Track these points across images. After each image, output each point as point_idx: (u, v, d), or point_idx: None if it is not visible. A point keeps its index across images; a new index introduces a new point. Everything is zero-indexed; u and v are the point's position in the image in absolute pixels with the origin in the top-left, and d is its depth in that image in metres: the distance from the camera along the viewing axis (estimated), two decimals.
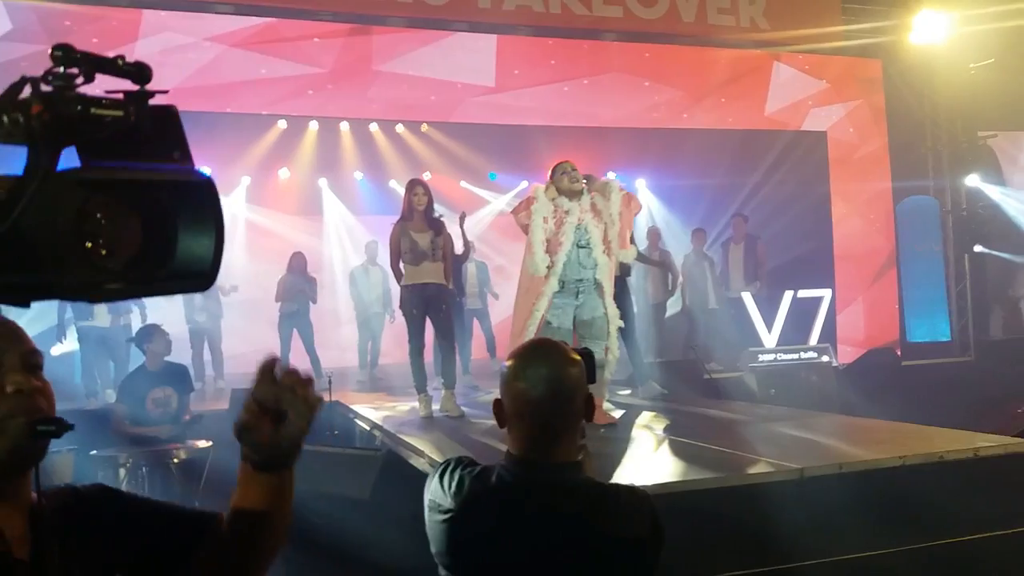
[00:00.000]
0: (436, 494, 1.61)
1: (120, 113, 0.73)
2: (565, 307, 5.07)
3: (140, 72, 0.77)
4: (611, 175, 9.16)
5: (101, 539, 1.09)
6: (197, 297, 8.33)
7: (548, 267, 4.98)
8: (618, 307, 5.23)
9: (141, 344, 5.59)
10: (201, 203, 0.81)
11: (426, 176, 10.98)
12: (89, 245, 0.75)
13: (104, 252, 0.75)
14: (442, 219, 5.94)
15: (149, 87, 0.77)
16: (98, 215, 0.75)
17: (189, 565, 1.13)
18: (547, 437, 1.56)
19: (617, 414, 5.38)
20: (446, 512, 1.57)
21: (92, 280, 0.74)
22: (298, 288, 8.65)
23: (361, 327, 9.04)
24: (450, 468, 1.64)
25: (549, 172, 5.32)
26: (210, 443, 4.69)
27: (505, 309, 9.76)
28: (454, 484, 1.59)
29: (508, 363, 1.61)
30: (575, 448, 1.61)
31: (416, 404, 5.80)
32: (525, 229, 5.19)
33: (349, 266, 9.54)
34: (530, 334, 4.87)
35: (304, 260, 8.87)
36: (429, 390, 5.81)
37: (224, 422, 5.80)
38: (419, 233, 5.74)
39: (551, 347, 1.63)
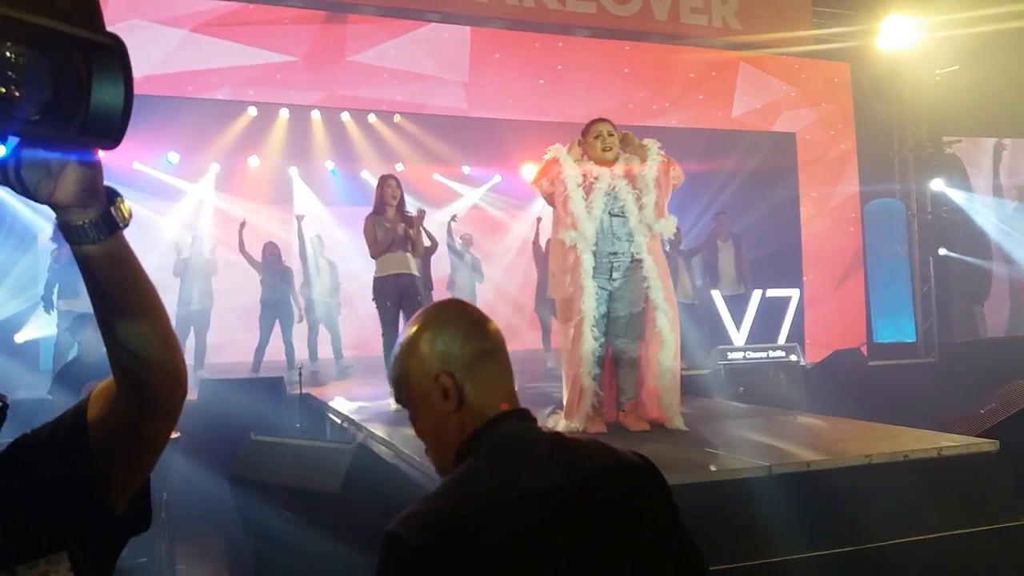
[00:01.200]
0: None
1: None
2: (598, 292, 4.47)
3: None
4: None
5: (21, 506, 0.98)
6: (196, 284, 8.23)
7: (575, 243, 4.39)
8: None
9: (76, 334, 5.26)
10: (111, 61, 0.80)
11: (399, 168, 10.92)
12: (1, 90, 0.74)
13: (16, 95, 0.75)
14: (411, 214, 5.94)
15: None
16: (9, 58, 0.74)
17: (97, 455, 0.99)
18: None
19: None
20: None
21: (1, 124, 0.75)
22: (278, 277, 8.55)
23: (311, 320, 9.00)
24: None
25: (582, 131, 4.69)
26: (179, 435, 4.62)
27: (485, 299, 9.80)
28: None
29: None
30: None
31: (390, 399, 5.75)
32: (550, 199, 4.62)
33: (319, 256, 9.47)
34: (587, 338, 4.39)
35: (278, 249, 8.78)
36: None
37: (194, 413, 5.73)
38: (391, 224, 5.76)
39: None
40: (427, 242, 7.66)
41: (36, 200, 0.86)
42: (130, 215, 0.93)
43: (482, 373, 1.31)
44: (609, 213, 4.48)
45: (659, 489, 1.36)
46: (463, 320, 1.35)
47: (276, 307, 8.49)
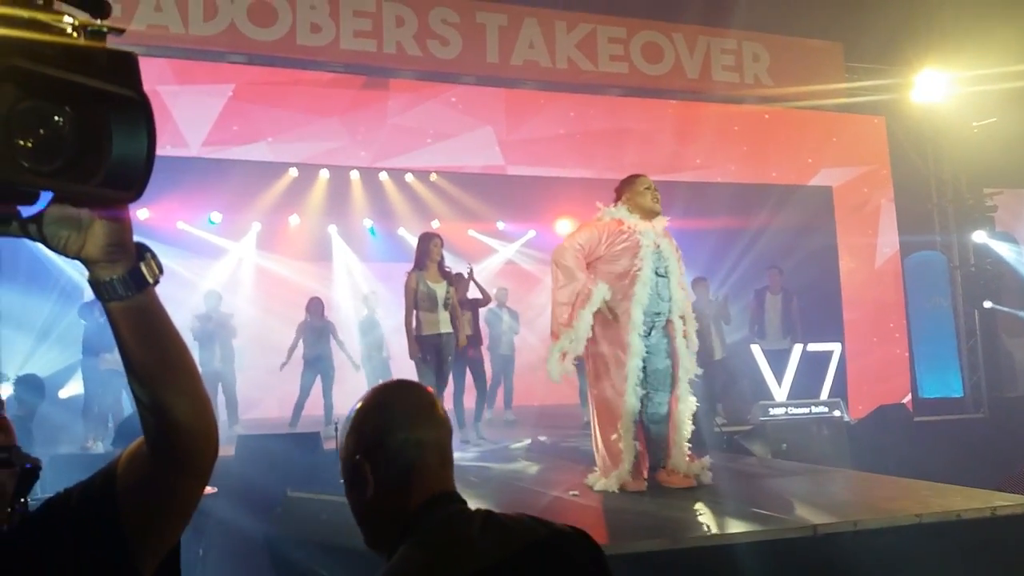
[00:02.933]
0: None
1: (68, 27, 0.77)
2: (652, 347, 4.43)
3: (97, 5, 0.80)
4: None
5: (53, 560, 0.98)
6: (217, 340, 8.34)
7: (617, 307, 4.33)
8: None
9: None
10: (136, 115, 0.81)
11: (435, 224, 11.07)
12: (22, 143, 0.75)
13: (35, 152, 0.76)
14: (450, 270, 6.04)
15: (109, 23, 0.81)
16: (31, 113, 0.75)
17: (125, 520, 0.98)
18: None
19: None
20: None
21: (19, 178, 0.75)
22: (319, 333, 8.63)
23: (368, 374, 9.05)
24: None
25: (617, 189, 4.68)
26: (215, 490, 4.63)
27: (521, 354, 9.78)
28: None
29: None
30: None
31: None
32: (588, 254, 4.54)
33: (358, 312, 9.58)
34: (630, 396, 4.32)
35: (321, 304, 8.88)
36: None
37: (230, 469, 5.75)
38: (435, 283, 5.85)
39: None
40: (477, 293, 7.84)
41: (66, 255, 0.86)
42: (161, 272, 0.92)
43: (413, 459, 1.30)
44: (656, 273, 4.43)
45: (595, 561, 1.35)
46: (402, 405, 1.35)
47: (317, 363, 8.53)
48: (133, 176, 0.82)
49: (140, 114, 0.82)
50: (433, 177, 10.58)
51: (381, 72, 9.07)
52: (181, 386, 0.96)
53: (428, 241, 6.00)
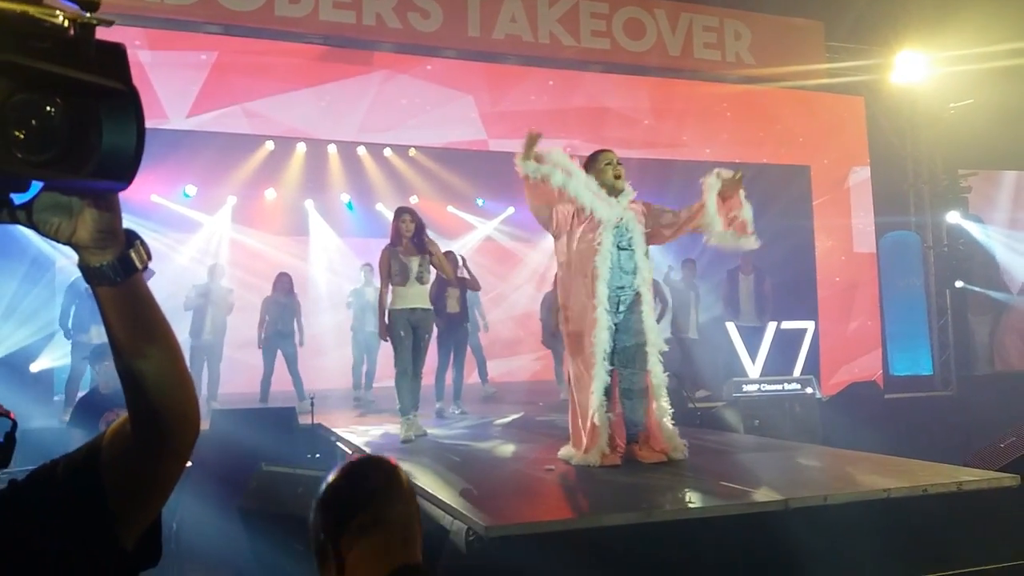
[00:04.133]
0: None
1: (58, 21, 0.79)
2: (608, 321, 4.43)
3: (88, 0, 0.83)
4: None
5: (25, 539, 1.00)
6: (211, 313, 8.27)
7: (591, 277, 4.36)
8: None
9: (95, 363, 5.20)
10: (125, 106, 0.84)
11: (413, 200, 11.00)
12: (15, 134, 0.78)
13: (28, 142, 0.79)
14: (429, 244, 5.96)
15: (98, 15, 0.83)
16: (24, 105, 0.78)
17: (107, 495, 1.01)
18: None
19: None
20: None
21: (13, 168, 0.78)
22: (283, 308, 8.57)
23: (355, 346, 9.01)
24: None
25: (583, 166, 4.67)
26: (189, 464, 4.61)
27: (497, 331, 9.78)
28: None
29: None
30: None
31: (401, 430, 5.75)
32: (548, 224, 4.60)
33: (334, 288, 9.52)
34: (599, 372, 4.35)
35: (290, 280, 8.81)
36: (412, 415, 5.78)
37: (205, 443, 5.73)
38: (408, 256, 5.82)
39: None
40: (466, 275, 7.90)
41: (57, 240, 0.89)
42: (149, 258, 0.95)
43: (375, 538, 1.33)
44: (617, 246, 4.47)
45: None
46: (365, 484, 1.38)
47: (278, 338, 8.50)
48: (123, 166, 0.85)
49: (129, 106, 0.84)
50: (412, 152, 10.50)
51: (360, 44, 8.96)
52: (165, 369, 0.99)
53: (397, 218, 5.98)
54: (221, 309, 8.44)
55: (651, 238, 4.70)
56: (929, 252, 11.40)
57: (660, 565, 3.20)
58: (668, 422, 4.53)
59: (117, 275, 0.92)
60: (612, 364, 4.49)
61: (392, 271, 5.83)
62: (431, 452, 5.19)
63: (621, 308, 4.51)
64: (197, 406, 1.05)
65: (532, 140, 4.48)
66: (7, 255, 8.10)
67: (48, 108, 0.80)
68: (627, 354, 4.52)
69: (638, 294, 4.50)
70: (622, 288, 4.49)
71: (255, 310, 8.85)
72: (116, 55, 0.84)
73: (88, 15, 0.82)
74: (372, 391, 8.82)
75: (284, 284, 8.72)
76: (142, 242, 0.95)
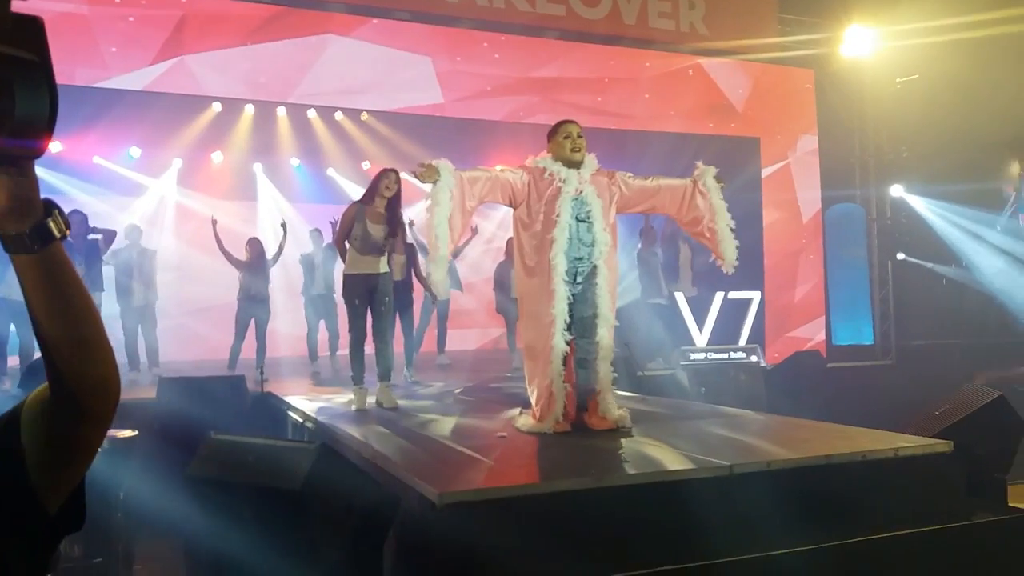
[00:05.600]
0: None
1: None
2: (564, 291, 4.47)
3: None
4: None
5: None
6: (135, 276, 8.03)
7: (548, 249, 4.37)
8: None
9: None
10: (35, 74, 0.87)
11: (365, 166, 10.86)
12: None
13: None
14: (404, 221, 5.78)
15: None
16: None
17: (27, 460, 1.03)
18: None
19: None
20: None
21: None
22: (255, 274, 8.37)
23: (310, 312, 8.87)
24: None
25: (549, 133, 4.69)
26: (135, 433, 4.55)
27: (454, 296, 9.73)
28: None
29: None
30: None
31: (352, 399, 5.72)
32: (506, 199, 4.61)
33: (284, 254, 9.35)
34: (557, 341, 4.39)
35: (261, 246, 8.58)
36: (366, 383, 5.74)
37: (152, 412, 5.63)
38: (375, 224, 5.64)
39: None
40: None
41: None
42: (68, 227, 0.97)
43: None
44: (576, 218, 4.48)
45: None
46: None
47: (254, 304, 8.32)
48: (37, 134, 0.87)
49: (41, 76, 0.87)
50: (364, 116, 10.34)
51: (312, 5, 8.76)
52: (83, 337, 1.00)
53: (381, 176, 5.76)
54: (145, 272, 8.18)
55: (622, 207, 4.72)
56: (873, 224, 11.69)
57: (609, 530, 3.27)
58: (610, 393, 4.59)
59: (35, 243, 0.93)
60: (569, 334, 4.53)
61: (353, 233, 5.63)
62: (383, 420, 5.18)
63: (579, 280, 4.53)
64: (116, 373, 1.05)
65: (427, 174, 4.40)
66: None
67: None
68: (583, 324, 4.56)
69: (595, 266, 4.52)
70: (580, 259, 4.51)
71: (201, 275, 8.66)
72: (32, 27, 0.87)
73: None
74: (337, 357, 8.67)
75: (255, 249, 8.51)
76: (60, 212, 0.96)
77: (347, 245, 5.68)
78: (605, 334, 4.54)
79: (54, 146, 9.28)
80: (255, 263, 8.41)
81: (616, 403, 4.64)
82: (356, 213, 5.64)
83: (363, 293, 5.63)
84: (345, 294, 5.70)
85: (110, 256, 8.05)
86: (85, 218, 7.46)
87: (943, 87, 10.42)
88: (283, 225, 8.61)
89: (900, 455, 3.84)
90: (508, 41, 9.79)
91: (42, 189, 0.96)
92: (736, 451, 3.95)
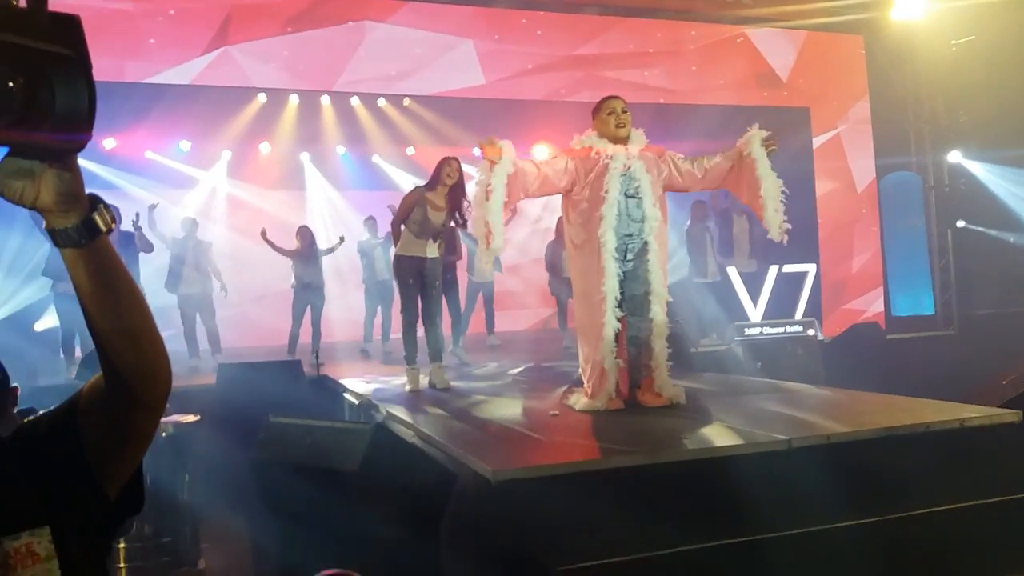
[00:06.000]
0: None
1: None
2: (615, 269, 4.43)
3: None
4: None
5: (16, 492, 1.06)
6: (193, 266, 8.22)
7: (598, 226, 4.34)
8: None
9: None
10: (73, 69, 0.89)
11: (410, 151, 10.90)
12: None
13: None
14: (465, 210, 5.78)
15: None
16: None
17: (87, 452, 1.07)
18: None
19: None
20: None
21: None
22: (308, 262, 8.53)
23: (369, 298, 9.01)
24: None
25: (593, 110, 4.65)
26: (198, 418, 4.66)
27: (501, 281, 9.77)
28: None
29: None
30: None
31: (405, 380, 5.78)
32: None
33: (332, 241, 9.47)
34: (609, 319, 4.37)
35: (311, 234, 8.75)
36: (418, 363, 5.80)
37: (213, 397, 5.77)
38: (436, 211, 5.68)
39: None
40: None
41: (23, 205, 0.93)
42: (114, 221, 0.99)
43: None
44: (625, 194, 4.43)
45: None
46: None
47: (309, 292, 8.49)
48: (78, 127, 0.89)
49: (79, 71, 0.89)
50: (406, 102, 10.36)
51: None
52: (133, 328, 1.03)
53: (442, 163, 5.77)
54: (202, 263, 8.37)
55: (670, 185, 4.65)
56: (930, 192, 11.35)
57: (664, 506, 3.25)
58: (665, 369, 4.55)
59: (82, 237, 0.96)
60: (621, 311, 4.50)
61: (413, 216, 5.68)
62: (437, 400, 5.23)
63: (629, 256, 4.49)
64: (167, 363, 1.08)
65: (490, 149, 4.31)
66: (6, 215, 8.06)
67: (2, 75, 0.84)
68: (635, 302, 4.52)
69: (646, 243, 4.47)
70: (630, 236, 4.46)
71: (256, 264, 8.81)
72: (69, 24, 0.89)
73: None
74: (390, 342, 8.78)
75: (307, 238, 8.67)
76: (106, 206, 0.98)
77: (403, 228, 5.73)
78: (659, 311, 4.49)
79: (108, 143, 9.57)
80: (306, 252, 8.55)
81: (671, 380, 4.60)
82: (418, 198, 5.69)
83: (415, 274, 5.69)
84: (398, 275, 5.78)
85: (172, 246, 8.26)
86: (117, 212, 7.62)
87: (1000, 48, 10.02)
88: (341, 239, 8.80)
89: (966, 426, 3.74)
90: (548, 18, 9.70)
91: (97, 185, 0.99)
92: (794, 426, 3.89)
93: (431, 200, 5.68)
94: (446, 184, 5.68)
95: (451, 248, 7.75)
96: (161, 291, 8.04)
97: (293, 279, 8.51)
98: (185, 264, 8.24)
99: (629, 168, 4.45)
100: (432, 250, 5.73)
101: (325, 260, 8.85)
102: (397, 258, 5.77)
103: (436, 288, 5.80)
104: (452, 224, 5.84)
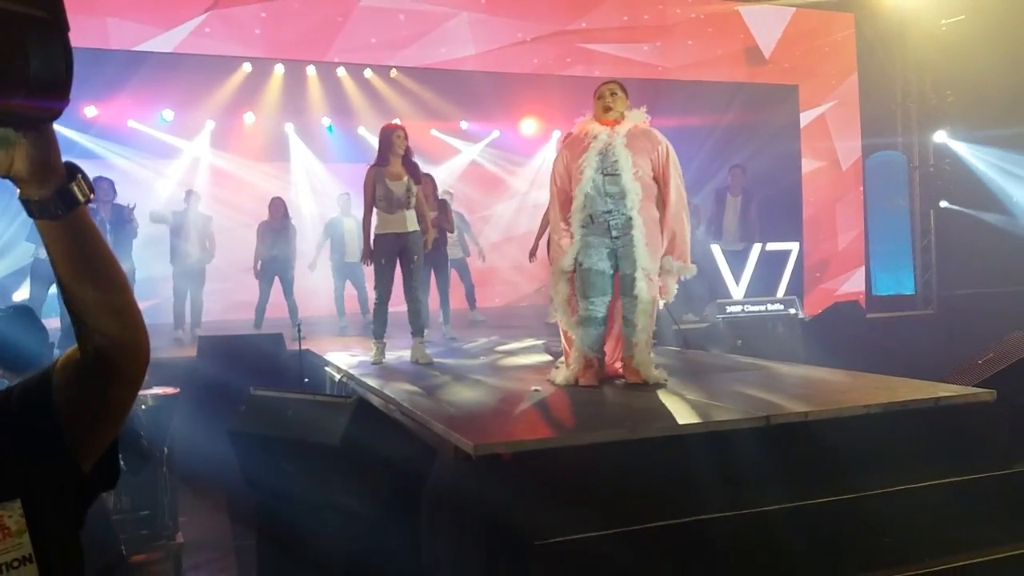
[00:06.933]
0: None
1: None
2: (598, 245, 4.49)
3: None
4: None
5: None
6: (193, 240, 8.16)
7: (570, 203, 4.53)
8: None
9: None
10: (48, 31, 0.85)
11: (396, 123, 10.80)
12: None
13: None
14: (419, 170, 5.85)
15: None
16: None
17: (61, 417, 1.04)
18: None
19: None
20: None
21: None
22: (278, 234, 8.47)
23: (336, 276, 8.94)
24: None
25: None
26: (177, 390, 4.64)
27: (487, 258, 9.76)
28: None
29: None
30: None
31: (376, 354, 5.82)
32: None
33: (317, 214, 9.41)
34: (560, 290, 4.62)
35: (284, 205, 8.68)
36: (386, 338, 5.84)
37: (193, 370, 5.75)
38: (394, 181, 5.67)
39: None
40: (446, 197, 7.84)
41: None
42: (92, 191, 0.96)
43: None
44: (602, 172, 4.47)
45: None
46: None
47: (274, 264, 8.42)
48: (53, 94, 0.86)
49: (55, 35, 0.85)
50: (393, 73, 10.25)
51: None
52: (109, 300, 1.01)
53: (391, 134, 5.75)
54: (202, 236, 8.34)
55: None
56: (915, 172, 11.39)
57: (644, 481, 3.28)
58: (645, 349, 4.56)
59: (58, 208, 0.92)
60: (598, 292, 4.57)
61: (377, 195, 5.68)
62: (419, 376, 5.23)
63: (615, 233, 4.51)
64: (145, 336, 1.06)
65: None
66: None
67: None
68: (625, 282, 4.54)
69: (629, 218, 4.48)
70: (608, 212, 4.49)
71: (238, 236, 8.75)
72: None
73: None
74: (368, 316, 8.72)
75: (279, 209, 8.60)
76: (84, 176, 0.94)
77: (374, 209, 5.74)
78: (643, 288, 4.49)
79: (89, 110, 9.43)
80: (278, 224, 8.48)
81: (652, 361, 4.60)
82: (374, 176, 5.68)
83: (391, 252, 5.68)
84: (374, 255, 5.74)
85: (169, 216, 8.20)
86: (112, 185, 7.53)
87: (990, 28, 10.01)
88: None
89: (941, 404, 3.78)
90: None
91: (77, 153, 0.96)
92: (773, 403, 3.92)
93: (387, 173, 5.68)
94: (398, 154, 5.70)
95: (442, 222, 7.73)
96: (146, 262, 7.99)
97: (262, 251, 8.42)
98: (185, 238, 8.19)
99: (609, 146, 4.49)
100: (410, 223, 5.71)
101: (313, 234, 8.80)
102: (376, 238, 5.75)
103: (415, 263, 5.77)
104: (417, 184, 5.81)
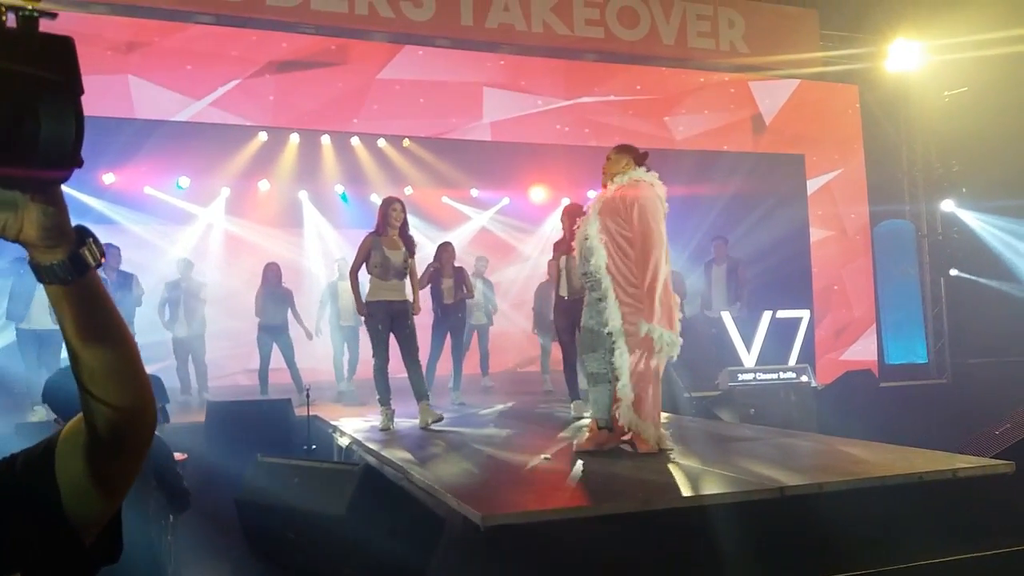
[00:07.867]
0: None
1: None
2: (592, 304, 4.62)
3: None
4: (591, 193, 9.14)
5: None
6: (189, 306, 8.23)
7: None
8: None
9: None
10: (64, 102, 0.84)
11: (407, 191, 10.96)
12: None
13: None
14: (414, 242, 6.02)
15: (40, 8, 0.83)
16: None
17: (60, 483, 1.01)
18: None
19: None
20: None
21: None
22: (275, 300, 8.49)
23: (335, 341, 8.93)
24: None
25: None
26: (185, 456, 4.60)
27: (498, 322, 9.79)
28: None
29: None
30: None
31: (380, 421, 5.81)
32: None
33: (326, 278, 9.48)
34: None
35: (279, 271, 8.69)
36: (392, 404, 5.84)
37: (201, 435, 5.72)
38: (392, 250, 5.81)
39: None
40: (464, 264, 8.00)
41: (6, 238, 0.88)
42: (103, 256, 0.95)
43: None
44: (584, 236, 4.62)
45: None
46: None
47: (272, 331, 8.39)
48: (63, 158, 0.84)
49: (67, 99, 0.84)
50: (406, 143, 10.45)
51: (352, 34, 8.92)
52: (117, 367, 0.99)
53: (388, 206, 5.92)
54: (197, 302, 8.40)
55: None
56: (923, 240, 11.42)
57: (656, 553, 3.21)
58: (627, 408, 4.45)
59: (69, 274, 0.91)
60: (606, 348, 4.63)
61: (372, 262, 5.79)
62: (427, 441, 5.18)
63: (596, 295, 4.60)
64: (152, 403, 1.04)
65: None
66: None
67: None
68: (605, 343, 4.59)
69: (598, 279, 4.54)
70: (585, 275, 4.64)
71: (248, 300, 8.78)
72: (61, 47, 0.84)
73: (30, 8, 0.83)
74: (353, 381, 8.71)
75: (273, 275, 8.59)
76: (95, 240, 0.93)
77: (368, 275, 5.86)
78: (619, 346, 4.46)
79: (107, 177, 9.61)
80: (271, 289, 8.47)
81: (649, 424, 4.47)
82: (372, 243, 5.82)
83: (385, 318, 5.76)
84: (369, 321, 5.82)
85: (163, 289, 8.30)
86: (118, 251, 7.60)
87: (994, 99, 10.17)
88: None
89: (959, 476, 3.71)
90: (548, 64, 9.83)
91: (93, 218, 0.95)
92: (787, 472, 3.85)
93: (385, 241, 5.84)
94: (394, 226, 5.86)
95: (460, 286, 7.79)
96: (157, 325, 8.04)
97: (260, 318, 8.39)
98: (178, 306, 8.27)
99: (597, 211, 4.61)
100: (401, 292, 5.82)
101: (299, 298, 8.82)
102: (367, 305, 5.85)
103: (409, 328, 5.84)
104: (411, 258, 5.95)
